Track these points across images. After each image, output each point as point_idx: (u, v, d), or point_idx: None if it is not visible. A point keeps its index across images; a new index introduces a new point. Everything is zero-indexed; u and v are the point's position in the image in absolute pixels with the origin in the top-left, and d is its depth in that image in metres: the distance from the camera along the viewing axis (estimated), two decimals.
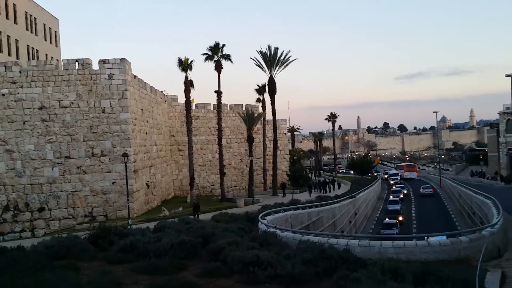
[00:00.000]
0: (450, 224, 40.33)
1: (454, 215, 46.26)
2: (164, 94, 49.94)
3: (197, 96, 67.26)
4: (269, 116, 54.54)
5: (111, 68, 34.59)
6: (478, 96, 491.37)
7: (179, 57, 40.89)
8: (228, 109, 58.28)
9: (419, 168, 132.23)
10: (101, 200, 34.38)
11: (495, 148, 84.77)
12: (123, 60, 34.73)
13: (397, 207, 47.87)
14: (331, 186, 56.51)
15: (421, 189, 68.33)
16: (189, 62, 40.81)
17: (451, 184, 62.87)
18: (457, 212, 47.80)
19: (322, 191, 52.14)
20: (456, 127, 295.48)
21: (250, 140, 48.19)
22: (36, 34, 50.02)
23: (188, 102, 42.26)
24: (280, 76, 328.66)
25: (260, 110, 57.71)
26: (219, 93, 45.75)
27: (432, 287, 11.06)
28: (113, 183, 34.35)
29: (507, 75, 59.51)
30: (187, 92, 41.67)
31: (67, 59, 35.28)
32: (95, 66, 34.77)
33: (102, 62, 34.62)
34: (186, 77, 41.26)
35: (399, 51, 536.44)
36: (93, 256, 14.84)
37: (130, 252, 14.75)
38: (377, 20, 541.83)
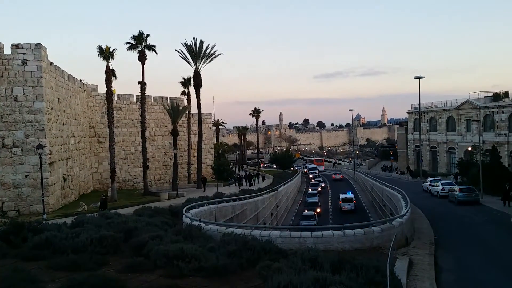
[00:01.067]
0: (363, 215, 42.76)
1: (366, 207, 49.18)
2: (83, 83, 47.48)
3: (119, 87, 65.17)
4: (194, 109, 54.19)
5: (25, 53, 32.12)
6: (389, 95, 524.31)
7: (99, 45, 39.09)
8: (152, 101, 56.86)
9: (335, 163, 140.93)
10: (13, 194, 32.01)
11: (404, 144, 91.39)
12: (38, 45, 32.44)
13: (315, 199, 49.84)
14: (255, 179, 57.90)
15: (333, 175, 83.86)
16: (110, 50, 39.16)
17: (364, 178, 66.47)
18: (369, 204, 50.89)
19: (247, 184, 53.51)
20: (369, 125, 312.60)
21: (174, 133, 47.52)
22: None
23: (109, 92, 40.60)
24: (206, 70, 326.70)
25: (185, 103, 57.04)
26: (142, 84, 44.48)
27: (347, 274, 11.63)
28: (26, 176, 32.12)
29: (415, 77, 64.52)
30: (108, 81, 39.98)
31: None
32: (7, 50, 32.15)
33: (15, 46, 32.02)
34: (108, 66, 39.57)
35: (318, 51, 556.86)
36: (4, 253, 13.91)
37: (46, 248, 14.04)
38: (299, 20, 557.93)
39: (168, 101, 56.62)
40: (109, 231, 15.84)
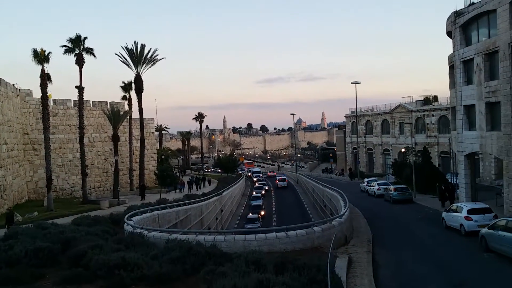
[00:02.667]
0: (305, 217, 43.82)
1: (308, 208, 50.39)
2: (17, 88, 44.97)
3: (56, 92, 62.24)
4: (136, 114, 52.98)
5: None
6: (328, 100, 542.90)
7: (34, 48, 37.24)
8: (91, 106, 54.90)
9: (280, 166, 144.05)
10: None
11: (342, 147, 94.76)
12: None
13: (259, 202, 50.36)
14: (201, 183, 58.09)
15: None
16: (46, 54, 37.41)
17: (305, 180, 67.95)
18: (311, 205, 52.16)
19: (195, 188, 54.63)
20: (310, 128, 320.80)
21: (115, 139, 46.16)
22: None
23: (44, 97, 38.69)
24: (148, 74, 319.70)
25: (126, 108, 55.60)
26: (80, 88, 42.86)
27: (290, 275, 11.93)
28: None
29: (352, 83, 67.28)
30: (43, 86, 38.09)
31: None
32: None
33: None
34: (43, 70, 37.71)
35: (260, 56, 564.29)
36: None
37: None
38: (241, 25, 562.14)
39: (108, 106, 54.95)
40: (45, 242, 15.16)
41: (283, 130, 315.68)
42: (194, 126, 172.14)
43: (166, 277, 12.33)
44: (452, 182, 37.24)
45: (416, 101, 71.77)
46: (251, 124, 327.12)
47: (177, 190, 49.31)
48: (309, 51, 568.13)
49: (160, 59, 49.49)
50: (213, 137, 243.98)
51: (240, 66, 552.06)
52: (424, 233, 24.38)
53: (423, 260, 18.38)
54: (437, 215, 27.58)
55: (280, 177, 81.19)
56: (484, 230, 19.05)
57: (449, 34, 33.18)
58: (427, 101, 70.12)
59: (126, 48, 48.26)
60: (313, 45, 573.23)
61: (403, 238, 23.34)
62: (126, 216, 22.79)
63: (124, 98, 56.17)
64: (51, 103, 47.46)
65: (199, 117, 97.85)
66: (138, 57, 48.34)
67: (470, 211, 22.60)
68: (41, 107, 40.36)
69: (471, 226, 21.91)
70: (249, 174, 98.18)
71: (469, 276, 15.51)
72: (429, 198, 38.38)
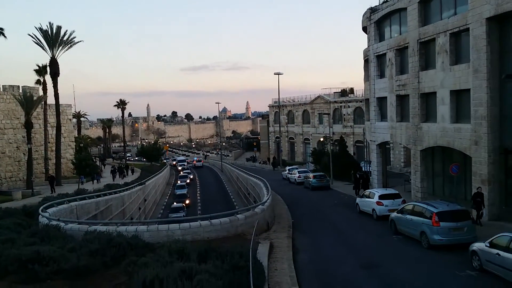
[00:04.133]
0: (230, 205, 44.40)
1: (233, 196, 51.06)
2: None
3: None
4: (51, 100, 49.73)
5: None
6: (253, 90, 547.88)
7: None
8: (1, 90, 50.63)
9: (207, 155, 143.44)
10: None
11: (266, 136, 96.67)
12: None
13: (184, 191, 50.07)
14: (125, 172, 57.14)
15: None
16: None
17: (230, 168, 68.54)
18: (235, 193, 52.87)
19: (120, 176, 53.54)
20: (235, 117, 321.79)
21: (28, 125, 43.29)
22: None
23: None
24: (65, 58, 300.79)
25: (41, 93, 52.01)
26: None
27: (213, 262, 12.18)
28: None
29: (275, 73, 68.78)
30: None
31: None
32: None
33: None
34: None
35: (184, 43, 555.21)
36: None
37: None
38: (165, 11, 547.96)
39: (20, 91, 51.02)
40: None
41: (208, 119, 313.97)
42: (116, 113, 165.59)
43: (84, 270, 12.03)
44: (366, 169, 39.71)
45: (334, 92, 75.10)
46: (176, 113, 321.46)
47: (95, 181, 47.03)
48: (234, 40, 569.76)
49: (78, 42, 46.86)
50: (136, 125, 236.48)
51: (164, 53, 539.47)
52: (340, 218, 25.85)
53: (338, 244, 19.56)
54: (352, 201, 29.34)
55: (197, 159, 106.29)
56: (394, 214, 20.66)
57: (364, 29, 35.09)
58: (344, 93, 73.70)
59: (40, 29, 45.05)
60: (238, 35, 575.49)
61: (320, 223, 24.56)
62: (41, 207, 21.63)
63: (38, 82, 52.45)
64: None
65: (121, 104, 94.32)
66: (53, 39, 45.34)
67: (381, 197, 24.34)
68: None
69: (382, 211, 23.62)
70: (174, 163, 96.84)
71: (379, 258, 16.81)
72: (345, 184, 40.61)
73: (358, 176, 34.52)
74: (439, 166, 27.50)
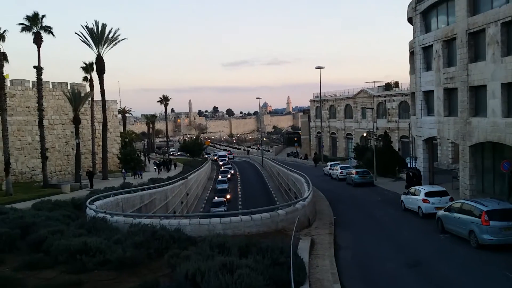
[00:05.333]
0: (270, 200, 44.40)
1: (273, 191, 51.00)
2: None
3: (13, 72, 59.33)
4: (98, 96, 51.51)
5: None
6: (294, 84, 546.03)
7: None
8: (51, 87, 52.99)
9: (249, 151, 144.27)
10: None
11: (307, 131, 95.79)
12: None
13: (225, 186, 50.56)
14: (168, 165, 58.87)
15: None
16: (1, 32, 35.74)
17: (271, 164, 68.62)
18: (276, 189, 52.82)
19: (164, 169, 55.58)
20: (276, 112, 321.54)
21: (76, 121, 44.97)
22: None
23: (0, 78, 37.08)
24: (110, 55, 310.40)
25: (88, 89, 53.98)
26: (39, 68, 41.27)
27: (254, 257, 12.11)
28: None
29: (316, 67, 67.79)
30: None
31: None
32: None
33: None
34: None
35: (225, 39, 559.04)
36: None
37: None
38: (205, 7, 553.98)
39: (69, 87, 53.25)
40: (4, 227, 14.76)
41: (249, 114, 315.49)
42: (159, 109, 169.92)
43: (129, 261, 12.28)
44: (411, 165, 38.48)
45: (378, 86, 73.23)
46: (217, 108, 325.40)
47: (137, 175, 47.66)
48: (274, 35, 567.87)
49: (122, 39, 48.18)
50: (179, 120, 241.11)
51: (205, 49, 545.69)
52: (384, 215, 25.22)
53: (382, 241, 19.07)
54: (397, 198, 28.51)
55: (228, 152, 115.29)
56: (441, 212, 19.91)
57: (410, 20, 33.93)
58: (388, 86, 71.70)
59: (87, 27, 46.65)
60: (278, 29, 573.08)
61: (363, 220, 24.07)
62: (89, 200, 22.41)
63: (85, 79, 54.49)
64: (8, 83, 45.52)
65: (164, 100, 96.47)
66: (99, 37, 46.83)
67: (427, 194, 23.50)
68: None
69: (428, 208, 22.81)
70: (215, 158, 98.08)
71: (425, 256, 16.24)
72: (389, 181, 39.60)
73: (411, 174, 32.55)
74: (489, 162, 26.23)
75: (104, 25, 47.06)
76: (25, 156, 49.48)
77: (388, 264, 15.55)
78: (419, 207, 23.66)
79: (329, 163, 54.34)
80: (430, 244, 18.04)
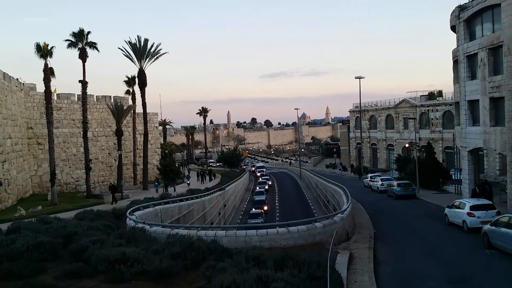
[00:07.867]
0: (308, 212, 43.82)
1: (311, 203, 50.37)
2: (21, 82, 45.12)
3: (60, 86, 62.32)
4: (139, 109, 53.05)
5: None
6: (332, 95, 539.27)
7: (37, 43, 37.33)
8: (95, 100, 55.04)
9: (291, 162, 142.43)
10: None
11: (346, 142, 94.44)
12: None
13: (263, 197, 50.43)
14: (208, 176, 60.39)
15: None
16: (49, 48, 37.51)
17: (309, 175, 67.96)
18: (314, 201, 52.16)
19: (208, 179, 58.11)
20: (314, 123, 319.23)
21: (119, 133, 46.32)
22: None
23: (48, 92, 38.83)
24: (151, 69, 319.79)
25: (130, 102, 55.68)
26: (84, 82, 42.98)
27: (290, 271, 11.88)
28: None
29: (356, 77, 66.96)
30: (47, 80, 38.24)
31: None
32: None
33: None
34: (46, 65, 37.83)
35: (263, 51, 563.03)
36: None
37: None
38: (243, 20, 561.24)
39: (112, 100, 55.08)
40: (47, 236, 15.28)
41: (287, 125, 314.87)
42: (198, 120, 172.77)
43: (166, 272, 12.38)
44: (455, 177, 37.00)
45: (420, 96, 71.31)
46: (255, 119, 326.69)
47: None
48: (312, 45, 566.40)
49: (163, 54, 49.42)
50: (217, 131, 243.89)
51: (243, 61, 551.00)
52: (426, 229, 24.31)
53: (424, 257, 18.33)
54: (440, 211, 27.45)
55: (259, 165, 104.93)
56: (487, 227, 18.95)
57: (453, 28, 32.92)
58: (431, 96, 69.68)
59: (129, 42, 48.21)
60: (316, 40, 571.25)
61: (405, 234, 23.29)
62: (129, 211, 22.90)
63: (127, 92, 56.29)
64: (55, 97, 47.69)
65: (203, 112, 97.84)
66: (141, 51, 48.26)
67: (473, 208, 22.49)
68: (44, 101, 40.53)
69: (474, 223, 21.81)
70: (253, 169, 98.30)
71: (470, 273, 15.46)
72: (432, 193, 38.25)
73: (477, 190, 28.12)
74: None
75: (146, 40, 48.49)
76: (70, 167, 51.40)
77: (430, 280, 14.89)
78: (464, 221, 22.65)
79: (369, 175, 53.19)
80: (475, 260, 17.17)
